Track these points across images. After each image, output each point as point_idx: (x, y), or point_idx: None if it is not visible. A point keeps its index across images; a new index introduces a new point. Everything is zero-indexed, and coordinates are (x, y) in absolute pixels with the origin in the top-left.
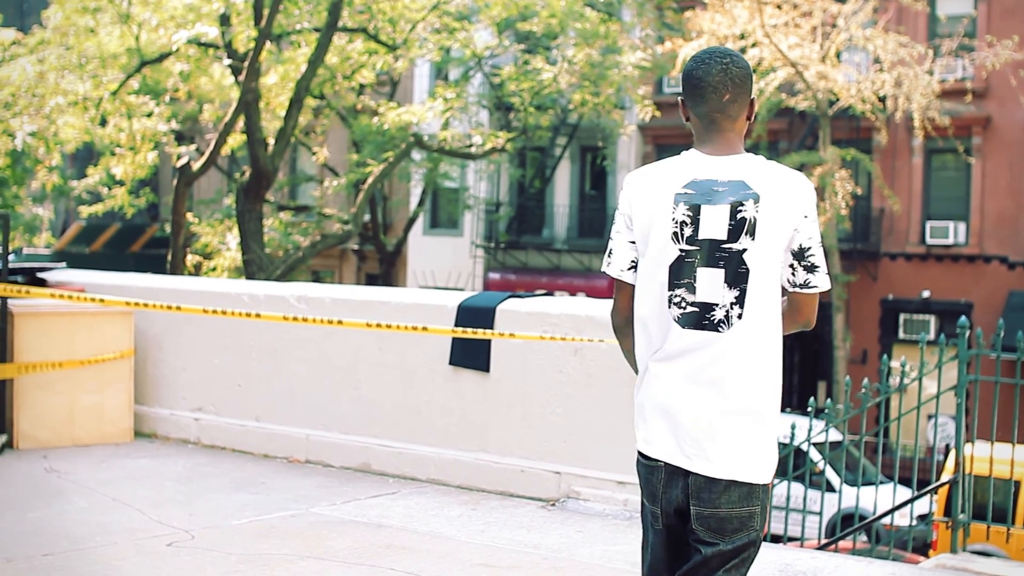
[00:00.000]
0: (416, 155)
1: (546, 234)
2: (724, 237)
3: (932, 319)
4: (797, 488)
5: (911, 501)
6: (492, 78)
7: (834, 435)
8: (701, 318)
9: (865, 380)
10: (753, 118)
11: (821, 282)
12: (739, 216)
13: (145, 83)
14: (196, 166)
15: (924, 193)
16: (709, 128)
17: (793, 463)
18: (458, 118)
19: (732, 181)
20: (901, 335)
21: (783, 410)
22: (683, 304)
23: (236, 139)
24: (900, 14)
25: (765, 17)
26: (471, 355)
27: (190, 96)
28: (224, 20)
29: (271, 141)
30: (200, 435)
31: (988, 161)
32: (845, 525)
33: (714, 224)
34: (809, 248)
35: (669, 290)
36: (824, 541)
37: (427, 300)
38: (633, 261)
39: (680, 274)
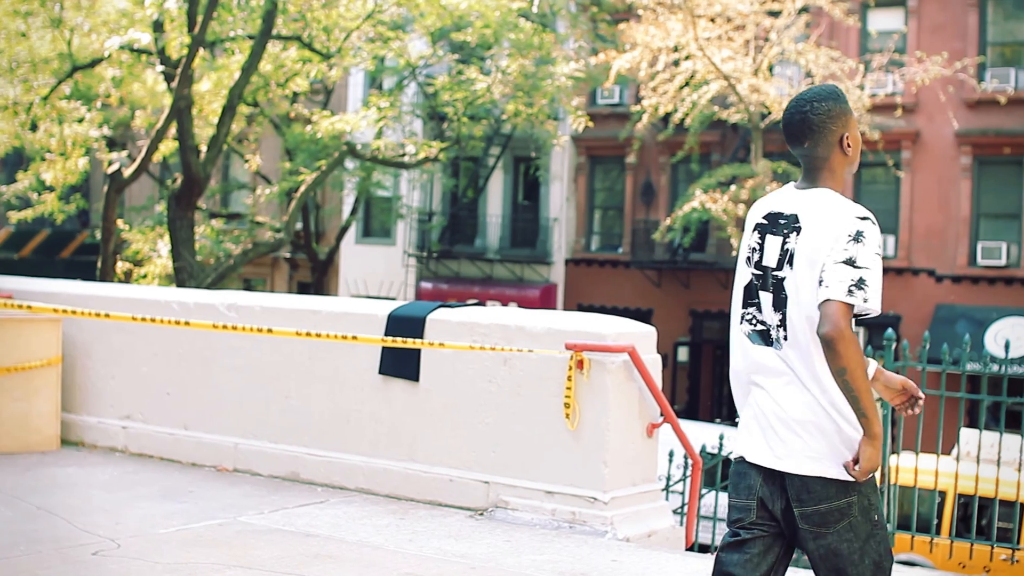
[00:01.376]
0: (349, 164)
1: (479, 244)
2: (774, 265)
3: (861, 331)
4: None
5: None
6: (426, 88)
7: None
8: (764, 336)
9: None
10: (849, 146)
11: (819, 293)
12: (785, 247)
13: (77, 88)
14: (127, 172)
15: None
16: (801, 166)
17: (722, 473)
18: (391, 127)
19: (791, 214)
20: None
21: (713, 420)
22: (753, 321)
23: (168, 146)
24: (832, 29)
25: (699, 30)
26: (401, 364)
27: (122, 102)
28: (157, 26)
29: (203, 148)
30: (128, 443)
31: (917, 175)
32: None
33: (770, 253)
34: (825, 264)
35: (743, 308)
36: None
37: (357, 309)
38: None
39: (750, 295)
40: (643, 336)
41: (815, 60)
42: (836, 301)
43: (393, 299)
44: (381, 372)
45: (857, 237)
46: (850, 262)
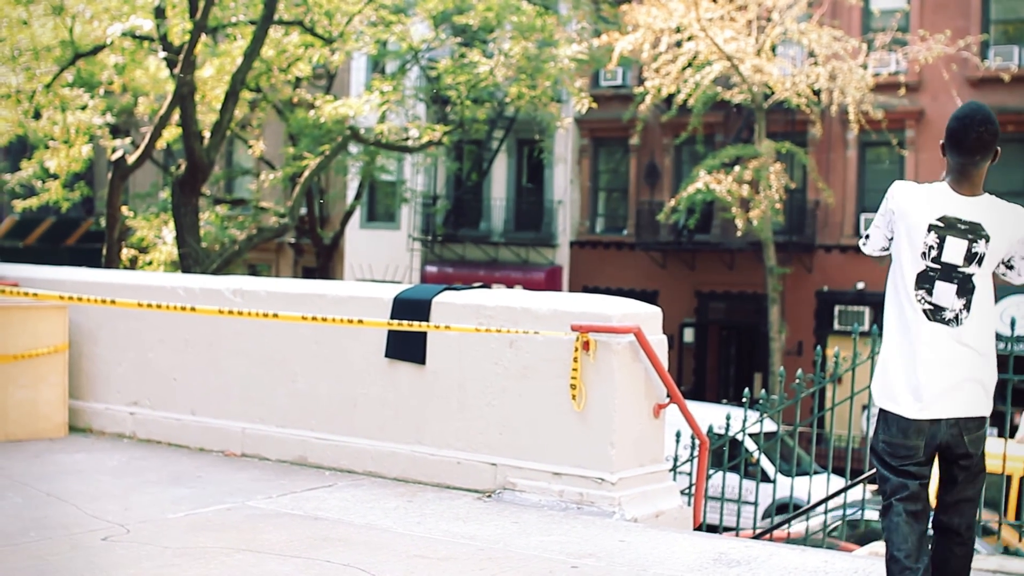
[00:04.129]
0: (353, 148)
1: (483, 227)
2: (960, 263)
3: (867, 310)
4: (732, 478)
5: (844, 491)
6: (429, 71)
7: (769, 426)
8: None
9: (799, 371)
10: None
11: (1013, 278)
12: (972, 250)
13: (79, 76)
14: (131, 159)
15: (858, 185)
16: (961, 174)
17: (728, 453)
18: (395, 111)
19: (972, 222)
20: (836, 326)
21: (719, 401)
22: (923, 301)
23: (171, 132)
24: (834, 8)
25: (701, 11)
26: (407, 348)
27: (125, 89)
28: (159, 13)
29: (207, 134)
30: (136, 429)
31: (921, 154)
32: (780, 515)
33: (954, 253)
34: (1012, 257)
35: (915, 290)
36: (759, 530)
37: (363, 293)
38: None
39: (923, 281)
40: (648, 317)
41: (818, 40)
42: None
43: (399, 283)
44: (387, 355)
45: None
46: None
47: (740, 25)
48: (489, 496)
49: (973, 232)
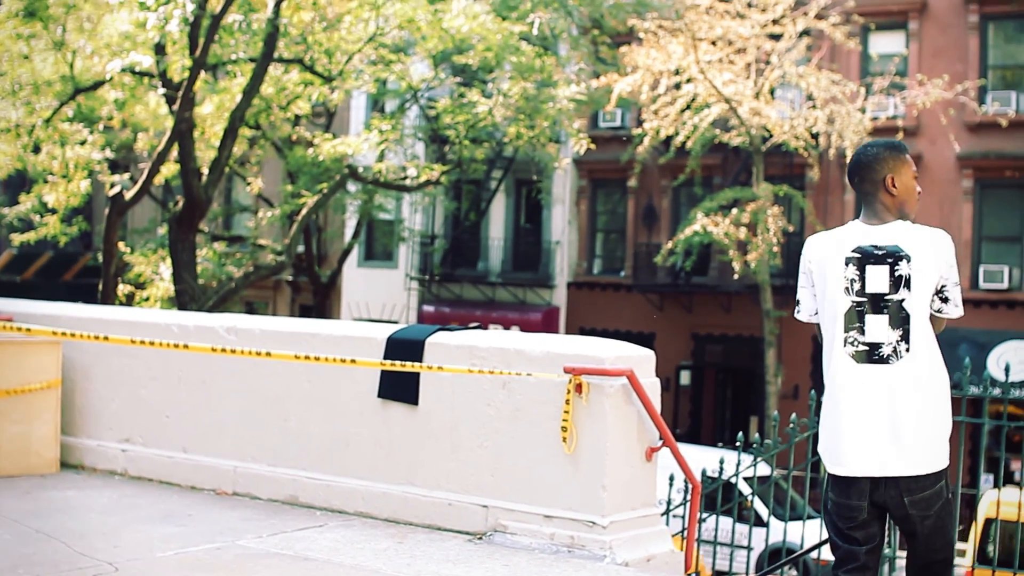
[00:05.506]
0: (351, 187)
1: (481, 267)
2: (886, 291)
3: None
4: (726, 522)
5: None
6: (428, 111)
7: (764, 470)
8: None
9: (793, 415)
10: (895, 187)
11: (950, 311)
12: (896, 274)
13: (79, 111)
14: (129, 195)
15: None
16: (866, 205)
17: (722, 497)
18: (393, 150)
19: (888, 246)
20: None
21: (715, 444)
22: (856, 343)
23: (170, 168)
24: (833, 52)
25: (700, 53)
26: (400, 388)
27: (124, 124)
28: (159, 49)
29: (205, 171)
30: (127, 466)
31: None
32: (773, 560)
33: (877, 280)
34: (944, 287)
35: (844, 332)
36: None
37: (356, 332)
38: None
39: (852, 320)
40: (642, 360)
41: (816, 83)
42: (949, 317)
43: (395, 322)
44: (380, 395)
45: (954, 259)
46: (955, 282)
47: (739, 68)
48: (480, 538)
49: (891, 255)
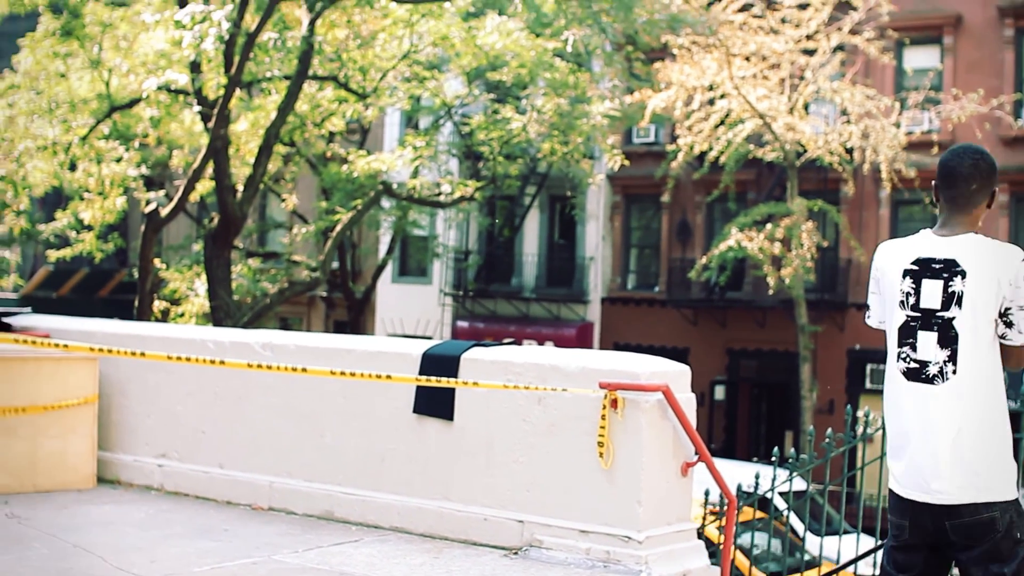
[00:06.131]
0: (385, 203)
1: (515, 282)
2: (938, 307)
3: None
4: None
5: (874, 551)
6: (461, 127)
7: (800, 485)
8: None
9: (829, 430)
10: (990, 204)
11: (1014, 338)
12: (949, 289)
13: (115, 128)
14: (164, 212)
15: None
16: (943, 213)
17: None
18: (427, 166)
19: (946, 259)
20: (868, 385)
21: (749, 459)
22: (908, 359)
23: (205, 185)
24: (867, 67)
25: (734, 69)
26: (435, 403)
27: (160, 142)
28: (195, 67)
29: (240, 187)
30: (164, 481)
31: None
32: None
33: (931, 295)
34: (1009, 309)
35: (898, 347)
36: None
37: (392, 348)
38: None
39: (906, 335)
40: (677, 375)
41: (851, 98)
42: (1013, 343)
43: (429, 338)
44: (415, 411)
45: (1021, 279)
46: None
47: (773, 83)
48: (516, 553)
49: (947, 269)
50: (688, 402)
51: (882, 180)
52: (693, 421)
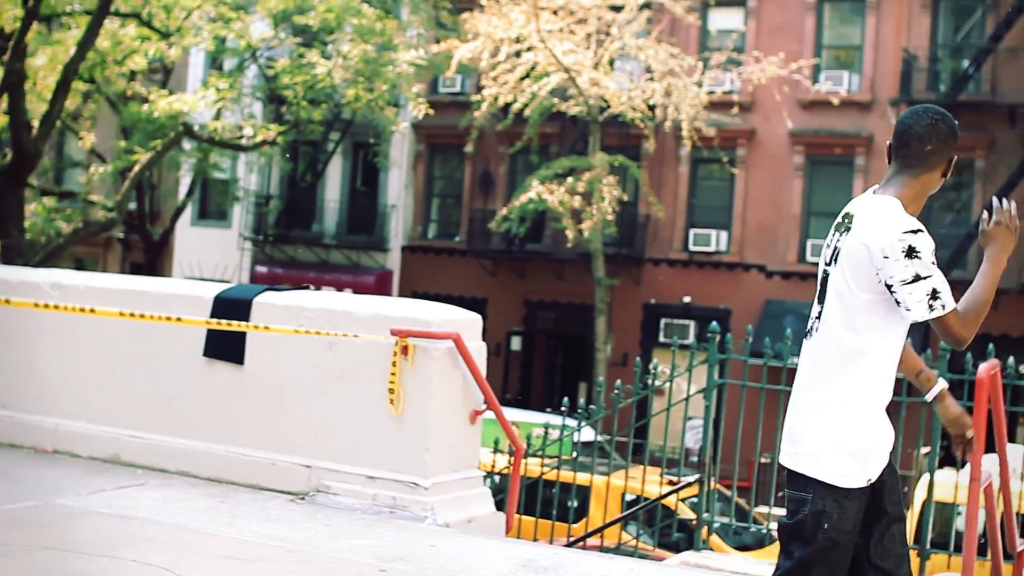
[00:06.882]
0: (186, 145)
1: (315, 229)
2: (827, 262)
3: (692, 324)
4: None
5: (659, 500)
6: (266, 70)
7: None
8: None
9: (618, 381)
10: (946, 173)
11: (910, 316)
12: (835, 245)
13: None
14: None
15: (689, 201)
16: (890, 170)
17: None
18: (230, 109)
19: (848, 213)
20: (662, 339)
21: (543, 409)
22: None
23: None
24: (673, 26)
25: (541, 23)
26: (226, 347)
27: None
28: None
29: (36, 124)
30: None
31: (751, 172)
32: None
33: (829, 251)
34: (891, 287)
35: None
36: (572, 538)
37: (184, 291)
38: None
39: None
40: (468, 324)
41: (655, 56)
42: (912, 319)
43: (227, 282)
44: (206, 354)
45: (897, 252)
46: (905, 281)
47: (579, 38)
48: (303, 498)
49: (844, 224)
50: (479, 351)
51: (683, 138)
52: (483, 370)
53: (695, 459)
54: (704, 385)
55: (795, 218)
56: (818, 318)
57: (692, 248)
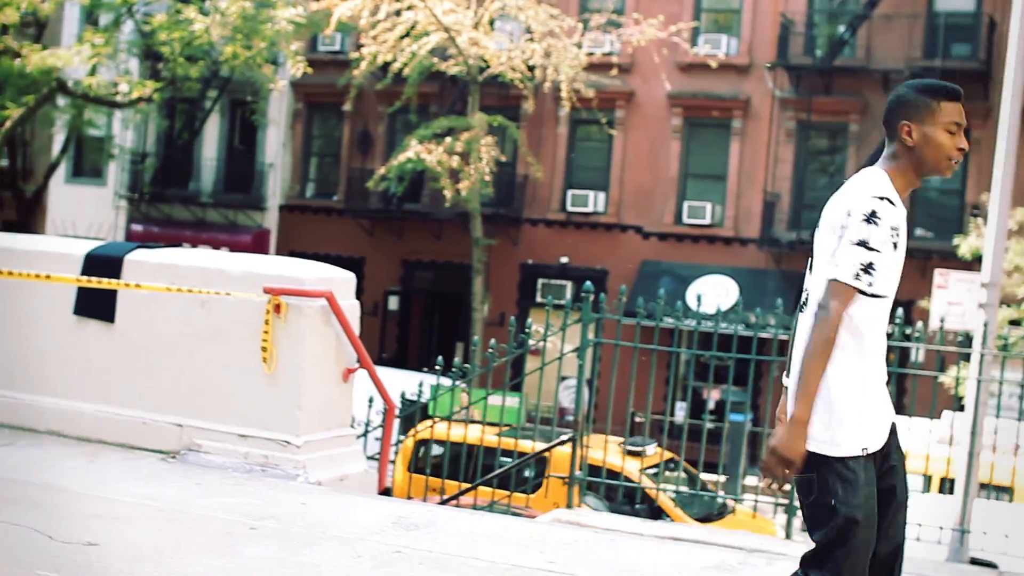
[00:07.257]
0: (60, 101)
1: (192, 187)
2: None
3: (569, 284)
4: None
5: (533, 456)
6: (143, 26)
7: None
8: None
9: (492, 341)
10: (906, 140)
11: (835, 272)
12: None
13: None
14: None
15: (567, 162)
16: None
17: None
18: (106, 65)
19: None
20: (539, 299)
21: (420, 369)
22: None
23: None
24: None
25: None
26: (96, 305)
27: None
28: None
29: None
30: None
31: (629, 134)
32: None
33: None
34: (841, 238)
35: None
36: (447, 496)
37: (53, 248)
38: None
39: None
40: (342, 282)
41: (535, 17)
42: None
43: (101, 240)
44: (76, 312)
45: (857, 217)
46: (851, 243)
47: None
48: (174, 457)
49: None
50: (352, 309)
51: (562, 99)
52: (357, 328)
53: (570, 418)
54: (578, 344)
55: (672, 180)
56: (807, 290)
57: (570, 209)
